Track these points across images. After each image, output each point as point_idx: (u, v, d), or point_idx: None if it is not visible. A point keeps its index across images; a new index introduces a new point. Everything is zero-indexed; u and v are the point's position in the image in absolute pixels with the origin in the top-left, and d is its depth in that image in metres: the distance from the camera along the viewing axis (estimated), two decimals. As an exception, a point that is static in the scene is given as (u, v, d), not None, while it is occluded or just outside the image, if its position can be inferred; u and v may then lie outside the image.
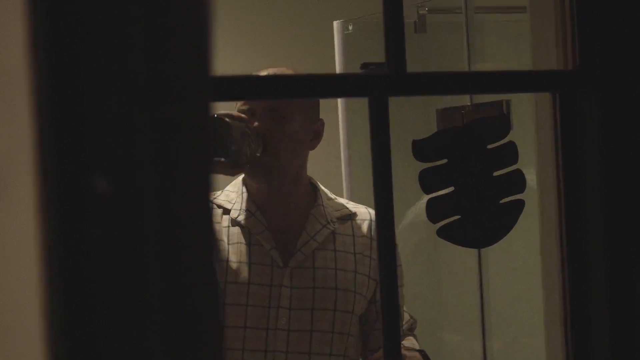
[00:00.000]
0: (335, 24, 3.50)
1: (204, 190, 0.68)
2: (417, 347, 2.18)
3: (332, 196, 2.21)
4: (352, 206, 2.21)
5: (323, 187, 2.20)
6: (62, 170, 0.66)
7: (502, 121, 1.78)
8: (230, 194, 2.15)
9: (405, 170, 2.06)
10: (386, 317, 1.19)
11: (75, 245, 0.66)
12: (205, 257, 0.68)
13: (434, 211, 1.61)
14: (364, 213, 2.19)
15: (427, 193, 1.60)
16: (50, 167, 0.66)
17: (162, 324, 0.68)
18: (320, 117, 2.17)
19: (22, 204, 0.66)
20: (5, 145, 0.66)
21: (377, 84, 1.17)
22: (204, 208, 0.69)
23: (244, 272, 2.04)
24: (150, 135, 0.67)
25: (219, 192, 2.17)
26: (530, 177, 1.56)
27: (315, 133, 2.13)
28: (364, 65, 3.34)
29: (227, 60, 3.73)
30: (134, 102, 0.66)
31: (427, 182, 1.59)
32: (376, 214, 1.21)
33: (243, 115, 2.02)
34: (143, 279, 0.67)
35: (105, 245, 0.67)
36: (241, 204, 2.11)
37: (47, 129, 0.65)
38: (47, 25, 0.64)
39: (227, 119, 1.97)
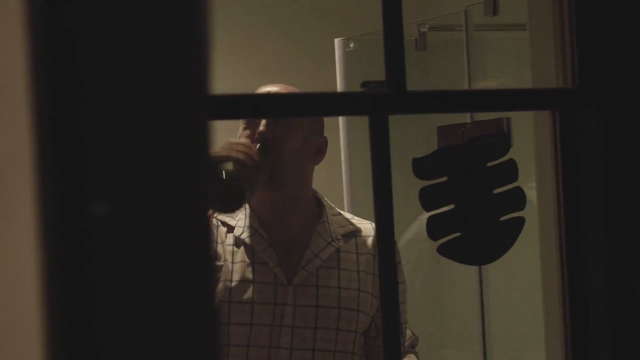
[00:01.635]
0: (337, 42, 3.51)
1: (203, 193, 0.69)
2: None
3: (337, 211, 2.20)
4: (356, 222, 2.20)
5: (328, 202, 2.19)
6: (61, 170, 0.66)
7: (502, 139, 1.79)
8: (234, 211, 2.15)
9: (406, 187, 2.06)
10: (387, 334, 1.19)
11: (75, 245, 0.67)
12: (204, 258, 0.69)
13: (434, 229, 1.61)
14: (369, 229, 2.18)
15: (428, 210, 1.60)
16: (49, 167, 0.66)
17: (162, 324, 0.68)
18: (324, 135, 2.18)
19: (22, 204, 0.67)
20: (5, 145, 0.66)
21: (377, 103, 1.17)
22: (202, 210, 0.69)
23: (248, 291, 2.03)
24: (150, 135, 0.67)
25: (222, 209, 2.17)
26: (531, 193, 1.56)
27: (318, 149, 2.13)
28: (365, 84, 3.36)
29: (228, 77, 3.74)
30: (133, 103, 0.67)
31: (427, 199, 1.59)
32: (377, 231, 1.21)
33: (243, 145, 1.97)
34: (143, 280, 0.68)
35: (105, 245, 0.68)
36: (244, 220, 2.11)
37: (46, 130, 0.66)
38: (45, 25, 0.65)
39: (234, 170, 1.91)
